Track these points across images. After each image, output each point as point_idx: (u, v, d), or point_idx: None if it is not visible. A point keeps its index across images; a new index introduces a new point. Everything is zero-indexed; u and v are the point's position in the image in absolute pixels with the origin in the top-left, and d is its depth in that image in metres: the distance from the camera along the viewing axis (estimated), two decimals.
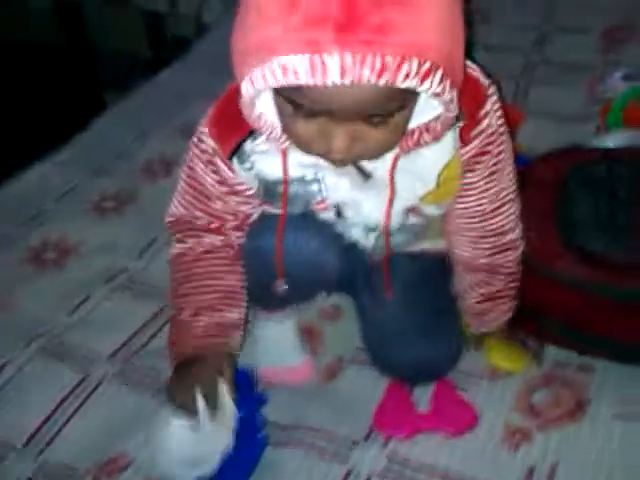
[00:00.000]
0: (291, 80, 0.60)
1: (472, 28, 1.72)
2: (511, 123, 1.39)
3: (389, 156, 0.77)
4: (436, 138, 0.74)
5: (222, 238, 0.90)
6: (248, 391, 0.91)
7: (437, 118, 0.71)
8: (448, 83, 0.63)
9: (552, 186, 1.05)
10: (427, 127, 0.72)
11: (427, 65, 0.60)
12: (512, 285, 0.96)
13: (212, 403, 0.84)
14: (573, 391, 0.94)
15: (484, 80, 0.81)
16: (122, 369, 1.04)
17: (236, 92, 0.76)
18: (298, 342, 1.05)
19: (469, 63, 0.80)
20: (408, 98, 0.66)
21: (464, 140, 0.81)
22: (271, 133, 0.74)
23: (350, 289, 1.03)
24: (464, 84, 0.77)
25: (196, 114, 1.57)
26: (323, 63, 0.58)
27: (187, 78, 1.81)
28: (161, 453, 0.85)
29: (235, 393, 0.86)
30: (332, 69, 0.58)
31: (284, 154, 0.78)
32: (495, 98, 0.82)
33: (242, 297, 0.92)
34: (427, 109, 0.71)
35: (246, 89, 0.65)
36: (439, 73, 0.61)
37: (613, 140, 1.26)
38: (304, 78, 0.59)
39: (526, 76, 1.63)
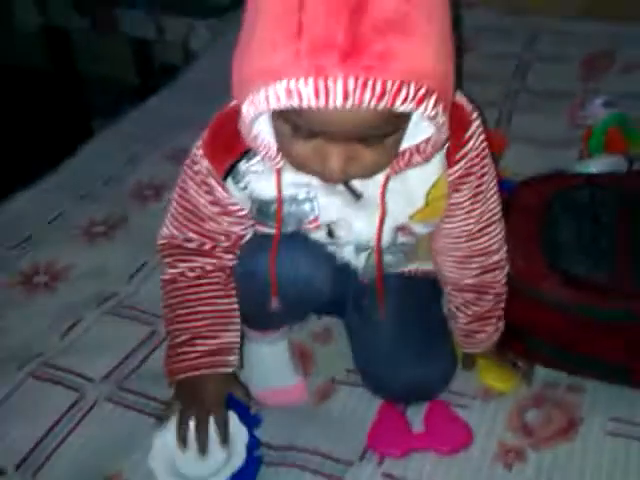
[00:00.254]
0: (295, 103, 0.62)
1: (462, 55, 1.77)
2: (494, 149, 1.42)
3: (379, 176, 0.79)
4: (427, 159, 0.76)
5: (214, 261, 0.91)
6: (243, 412, 0.91)
7: (427, 140, 0.74)
8: (441, 107, 0.66)
9: (536, 211, 1.07)
10: (418, 148, 0.75)
11: (423, 90, 0.63)
12: (499, 306, 0.97)
13: (221, 431, 0.87)
14: (564, 410, 0.96)
15: (467, 105, 0.84)
16: (115, 392, 1.03)
17: (230, 115, 0.79)
18: (291, 363, 1.05)
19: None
20: (402, 121, 0.69)
21: (450, 162, 0.83)
22: (267, 153, 0.76)
23: (340, 311, 1.04)
24: (453, 110, 0.80)
25: (184, 140, 1.60)
26: (326, 87, 0.60)
27: (175, 105, 1.82)
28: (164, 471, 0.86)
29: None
30: (335, 93, 0.61)
31: (278, 174, 0.80)
32: (479, 122, 0.85)
33: (236, 319, 0.93)
34: (417, 132, 0.74)
35: (247, 111, 0.66)
36: (433, 97, 0.64)
37: (595, 165, 1.29)
38: (308, 101, 0.61)
39: (508, 103, 1.67)
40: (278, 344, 1.05)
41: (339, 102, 0.61)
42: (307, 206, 0.85)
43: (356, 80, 0.60)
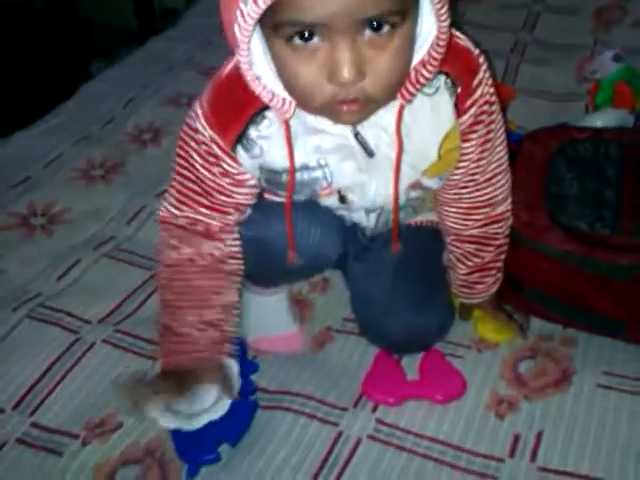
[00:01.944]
0: None
1: None
2: (503, 100, 1.41)
3: (391, 124, 0.77)
4: (433, 70, 0.73)
5: (220, 246, 0.88)
6: (240, 358, 0.92)
7: (430, 47, 0.71)
8: None
9: (541, 163, 1.06)
10: (422, 62, 0.72)
11: None
12: (500, 257, 0.97)
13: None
14: (558, 363, 0.96)
15: (475, 51, 0.82)
16: (112, 334, 1.04)
17: (226, 81, 0.77)
18: (289, 312, 1.06)
19: (460, 35, 0.81)
20: (405, 7, 0.65)
21: (460, 110, 0.81)
22: (272, 100, 0.73)
23: (339, 262, 1.03)
24: (457, 53, 0.78)
25: (184, 84, 1.60)
26: None
27: (175, 48, 1.81)
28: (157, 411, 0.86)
29: None
30: None
31: (287, 129, 0.77)
32: (486, 67, 0.82)
33: (237, 311, 0.92)
34: (418, 49, 0.71)
35: (239, 28, 0.64)
36: None
37: (602, 119, 1.27)
38: None
39: (516, 55, 1.64)
40: (277, 294, 1.05)
41: None
42: (319, 173, 0.82)
43: None
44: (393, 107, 0.76)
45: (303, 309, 1.08)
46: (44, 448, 0.90)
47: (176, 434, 0.87)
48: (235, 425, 0.88)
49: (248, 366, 0.94)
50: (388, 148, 0.80)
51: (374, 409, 0.92)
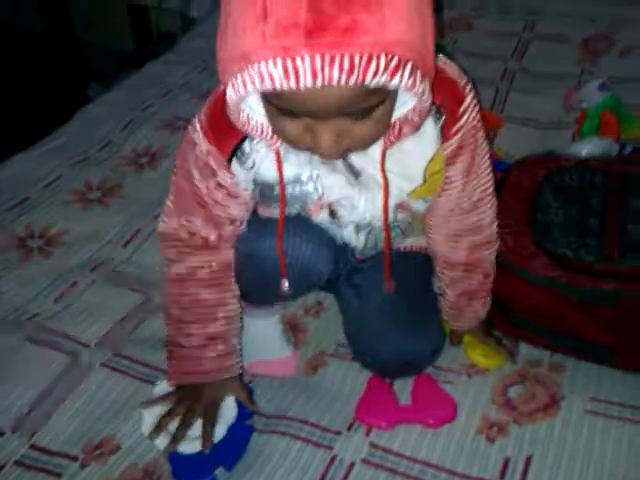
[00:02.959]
0: (268, 86, 0.62)
1: (441, 14, 1.76)
2: (490, 127, 1.44)
3: (376, 153, 0.80)
4: (415, 128, 0.76)
5: (221, 257, 0.91)
6: None
7: (414, 108, 0.73)
8: (418, 75, 0.65)
9: (527, 191, 1.09)
10: (405, 119, 0.75)
11: (395, 61, 0.62)
12: (488, 283, 0.99)
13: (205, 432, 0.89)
14: (546, 388, 0.98)
15: (462, 79, 0.85)
16: (110, 357, 1.05)
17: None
18: (283, 336, 1.08)
19: (449, 62, 0.84)
20: (387, 92, 0.68)
21: (445, 136, 0.84)
22: (262, 134, 0.76)
23: (332, 286, 1.05)
24: (444, 83, 0.81)
25: (181, 108, 1.62)
26: (295, 67, 0.60)
27: (172, 72, 1.83)
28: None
29: None
30: (304, 72, 0.61)
31: (278, 155, 0.80)
32: (472, 95, 0.85)
33: (240, 321, 0.96)
34: (405, 101, 0.73)
35: (229, 95, 0.67)
36: (408, 67, 0.64)
37: (587, 147, 1.30)
38: (279, 83, 0.62)
39: (505, 83, 1.67)
40: (271, 317, 1.07)
41: (309, 81, 0.61)
42: (310, 186, 0.85)
43: (322, 57, 0.60)
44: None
45: (297, 333, 1.09)
46: (43, 470, 0.91)
47: (173, 457, 0.89)
48: (231, 449, 0.90)
49: None
50: (374, 170, 0.82)
51: (367, 433, 0.94)
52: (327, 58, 0.60)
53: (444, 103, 0.82)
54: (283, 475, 0.89)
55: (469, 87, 0.85)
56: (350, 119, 0.69)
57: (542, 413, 0.95)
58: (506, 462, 0.90)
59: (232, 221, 0.90)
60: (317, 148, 0.72)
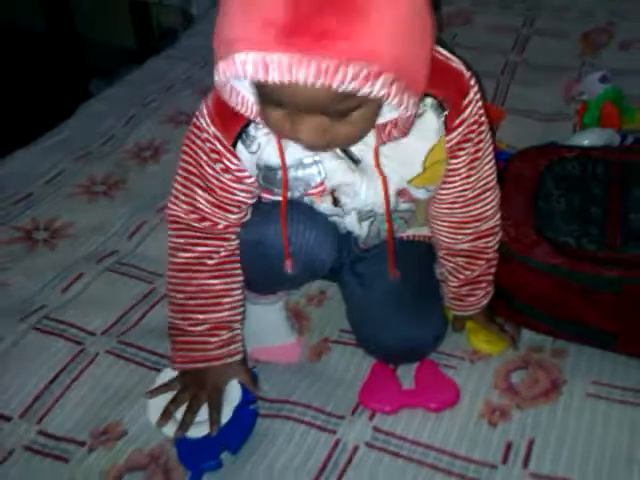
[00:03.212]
0: (242, 75, 0.65)
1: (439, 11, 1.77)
2: (492, 120, 1.45)
3: (371, 143, 0.81)
4: (403, 134, 0.78)
5: (227, 245, 0.93)
6: None
7: (397, 121, 0.76)
8: (396, 87, 0.66)
9: (529, 181, 1.10)
10: (396, 123, 0.77)
11: (365, 71, 0.64)
12: (490, 270, 1.00)
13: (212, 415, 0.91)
14: (548, 373, 0.99)
15: (466, 72, 0.86)
16: (116, 345, 1.06)
17: None
18: (287, 323, 1.09)
19: (452, 56, 0.85)
20: (364, 98, 0.69)
21: (448, 128, 0.85)
22: (255, 115, 0.78)
23: (335, 275, 1.06)
24: (448, 76, 0.82)
25: (183, 103, 1.63)
26: (265, 62, 0.63)
27: (174, 68, 1.84)
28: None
29: None
30: (274, 69, 0.63)
31: (278, 138, 0.82)
32: (476, 89, 0.86)
33: (243, 308, 0.97)
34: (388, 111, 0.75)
35: (217, 78, 0.70)
36: (381, 78, 0.65)
37: (588, 138, 1.31)
38: (253, 74, 0.64)
39: (506, 76, 1.69)
40: (275, 304, 1.08)
41: (276, 78, 0.63)
42: (314, 169, 0.86)
43: (291, 58, 0.62)
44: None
45: (301, 321, 1.10)
46: (51, 455, 0.92)
47: (179, 441, 0.90)
48: (236, 433, 0.91)
49: None
50: (371, 157, 0.84)
51: (371, 417, 0.95)
52: (295, 59, 0.62)
53: (447, 96, 0.83)
54: (287, 459, 0.90)
55: (473, 80, 0.86)
56: (329, 118, 0.71)
57: (544, 397, 0.96)
58: (508, 446, 0.91)
59: (239, 207, 0.91)
60: (297, 140, 0.74)
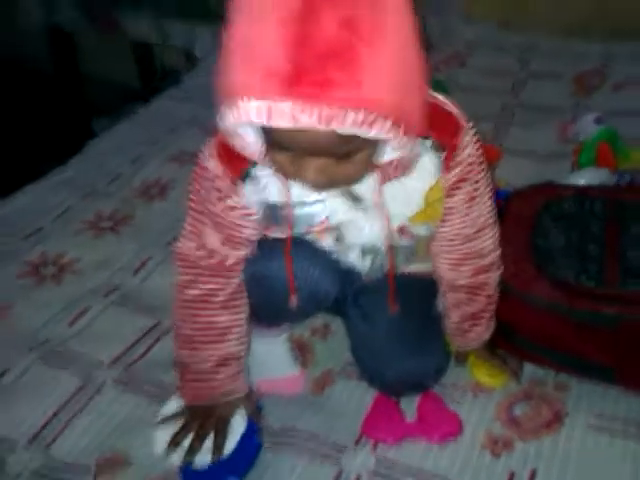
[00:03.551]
0: (250, 121, 0.69)
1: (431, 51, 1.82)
2: (491, 160, 1.48)
3: (373, 182, 0.84)
4: (405, 172, 0.82)
5: (233, 280, 0.94)
6: None
7: (396, 163, 0.79)
8: (397, 130, 0.70)
9: (528, 219, 1.12)
10: (399, 162, 0.80)
11: (368, 117, 0.67)
12: (491, 305, 1.02)
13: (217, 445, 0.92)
14: (551, 405, 1.00)
15: (462, 114, 0.89)
16: (122, 376, 1.08)
17: None
18: (291, 355, 1.10)
19: (448, 102, 0.88)
20: (365, 141, 0.72)
21: (446, 168, 0.88)
22: (259, 158, 0.81)
23: (338, 308, 1.08)
24: (444, 119, 0.86)
25: (188, 142, 1.67)
26: (269, 109, 0.66)
27: (178, 107, 1.87)
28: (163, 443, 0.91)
29: None
30: (278, 116, 0.66)
31: (283, 177, 0.84)
32: (473, 131, 0.89)
33: (248, 340, 0.99)
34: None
35: (223, 124, 0.73)
36: (380, 122, 0.68)
37: (585, 178, 1.34)
38: (259, 120, 0.68)
39: (504, 118, 1.73)
40: (279, 337, 1.09)
41: (282, 124, 0.67)
42: (317, 207, 0.89)
43: (298, 104, 0.65)
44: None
45: (305, 353, 1.12)
46: None
47: (184, 471, 0.91)
48: (241, 462, 0.92)
49: None
50: (372, 195, 0.86)
51: (374, 448, 0.96)
52: (298, 107, 0.65)
53: (444, 138, 0.86)
54: None
55: (470, 124, 0.89)
56: (332, 160, 0.74)
57: (546, 429, 0.97)
58: (511, 476, 0.91)
59: (245, 244, 0.93)
60: (302, 181, 0.77)
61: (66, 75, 2.68)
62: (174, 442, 0.91)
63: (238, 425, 0.94)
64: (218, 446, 0.91)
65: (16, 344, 1.14)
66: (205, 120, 1.75)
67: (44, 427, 1.00)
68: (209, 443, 0.91)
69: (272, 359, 1.08)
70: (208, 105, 1.84)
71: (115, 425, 1.00)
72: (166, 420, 0.95)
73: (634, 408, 0.99)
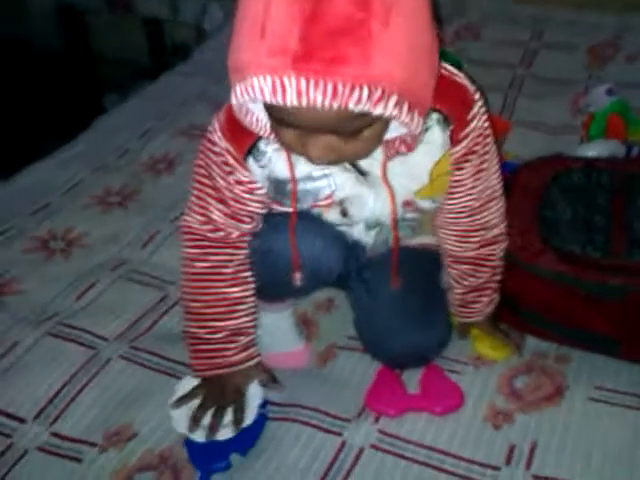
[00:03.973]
0: (259, 97, 0.68)
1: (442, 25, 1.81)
2: (499, 132, 1.47)
3: (379, 158, 0.84)
4: (410, 150, 0.81)
5: (239, 253, 0.95)
6: None
7: (405, 138, 0.79)
8: (405, 107, 0.70)
9: (535, 191, 1.12)
10: (404, 139, 0.80)
11: (378, 93, 0.67)
12: (496, 278, 1.02)
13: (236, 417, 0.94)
14: (552, 378, 1.01)
15: (471, 87, 0.89)
16: (129, 350, 1.09)
17: None
18: (295, 329, 1.11)
19: (456, 71, 0.88)
20: (374, 118, 0.72)
21: (453, 141, 0.88)
22: (269, 134, 0.81)
23: (343, 282, 1.08)
24: (453, 91, 0.85)
25: (197, 117, 1.67)
26: (282, 85, 0.66)
27: (187, 82, 1.87)
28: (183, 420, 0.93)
29: None
30: (289, 91, 0.66)
31: (288, 152, 0.85)
32: (481, 103, 0.89)
33: (257, 314, 1.00)
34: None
35: (232, 101, 0.73)
36: (393, 99, 0.68)
37: (594, 149, 1.33)
38: (268, 97, 0.67)
39: (514, 89, 1.71)
40: (283, 311, 1.10)
41: (294, 100, 0.66)
42: (323, 182, 0.89)
43: (307, 81, 0.65)
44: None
45: (309, 328, 1.12)
46: (64, 456, 0.94)
47: (189, 443, 0.92)
48: (246, 435, 0.93)
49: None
50: (380, 171, 0.86)
51: (376, 420, 0.96)
52: (312, 82, 0.65)
53: (453, 110, 0.86)
54: (294, 460, 0.92)
55: (478, 94, 0.89)
56: (339, 137, 0.74)
57: (547, 401, 0.97)
58: (512, 448, 0.92)
59: (251, 218, 0.94)
60: (308, 158, 0.77)
61: (77, 53, 2.68)
62: (195, 421, 0.93)
63: (254, 397, 0.95)
64: (237, 420, 0.93)
65: (23, 319, 1.15)
66: (214, 95, 1.75)
67: (50, 402, 1.01)
68: (229, 417, 0.93)
69: (277, 334, 1.08)
70: (217, 80, 1.87)
71: (121, 399, 1.01)
72: (182, 400, 0.96)
73: (635, 381, 0.99)
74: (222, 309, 0.96)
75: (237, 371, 0.97)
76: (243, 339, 0.97)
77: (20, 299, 1.20)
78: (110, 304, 1.18)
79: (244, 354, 0.97)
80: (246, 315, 0.97)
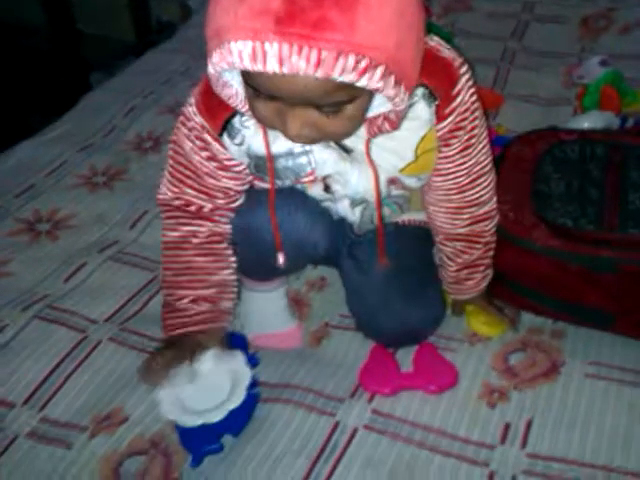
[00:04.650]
0: (238, 63, 0.65)
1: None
2: (491, 106, 1.45)
3: (362, 135, 0.81)
4: (394, 127, 0.78)
5: (214, 226, 0.95)
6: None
7: (389, 114, 0.76)
8: (391, 80, 0.67)
9: (528, 164, 1.10)
10: (387, 116, 0.77)
11: (364, 63, 0.64)
12: (488, 254, 1.01)
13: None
14: (547, 354, 1.00)
15: (456, 60, 0.86)
16: (118, 332, 1.07)
17: None
18: (287, 309, 1.09)
19: (442, 44, 0.85)
20: (358, 91, 0.69)
21: (439, 116, 0.85)
22: (246, 109, 0.78)
23: (334, 260, 1.07)
24: (437, 65, 0.83)
25: (182, 94, 1.62)
26: (263, 51, 0.63)
27: (172, 59, 1.85)
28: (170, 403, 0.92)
29: None
30: (271, 57, 0.63)
31: (264, 129, 0.82)
32: (467, 76, 0.86)
33: (234, 288, 0.99)
34: (386, 101, 0.75)
35: (209, 68, 0.70)
36: (379, 70, 0.65)
37: (588, 121, 1.31)
38: (248, 63, 0.64)
39: (506, 62, 1.68)
40: (274, 292, 1.08)
41: (275, 67, 0.63)
42: (304, 159, 0.87)
43: (290, 46, 0.62)
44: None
45: (301, 307, 1.11)
46: (53, 441, 0.93)
47: (180, 426, 0.91)
48: (237, 417, 0.91)
49: (249, 360, 0.97)
50: (362, 147, 0.84)
51: (370, 400, 0.95)
52: (295, 48, 0.62)
53: (438, 85, 0.83)
54: (287, 442, 0.91)
55: (464, 68, 0.86)
56: (320, 113, 0.71)
57: (543, 378, 0.96)
58: (507, 427, 0.91)
59: (225, 193, 0.93)
60: (285, 133, 0.74)
61: (62, 31, 2.64)
62: (148, 367, 0.93)
63: (243, 378, 0.94)
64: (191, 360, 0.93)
65: (11, 302, 1.13)
66: (199, 72, 1.71)
67: (39, 387, 1.00)
68: (206, 404, 0.91)
69: (269, 314, 1.07)
70: (201, 56, 1.83)
71: (112, 382, 1.00)
72: (150, 359, 0.95)
73: (630, 356, 0.98)
74: (191, 277, 0.95)
75: (199, 330, 0.96)
76: (206, 306, 0.96)
77: (7, 282, 1.19)
78: (99, 286, 1.17)
79: (207, 317, 0.96)
80: (217, 287, 0.96)
